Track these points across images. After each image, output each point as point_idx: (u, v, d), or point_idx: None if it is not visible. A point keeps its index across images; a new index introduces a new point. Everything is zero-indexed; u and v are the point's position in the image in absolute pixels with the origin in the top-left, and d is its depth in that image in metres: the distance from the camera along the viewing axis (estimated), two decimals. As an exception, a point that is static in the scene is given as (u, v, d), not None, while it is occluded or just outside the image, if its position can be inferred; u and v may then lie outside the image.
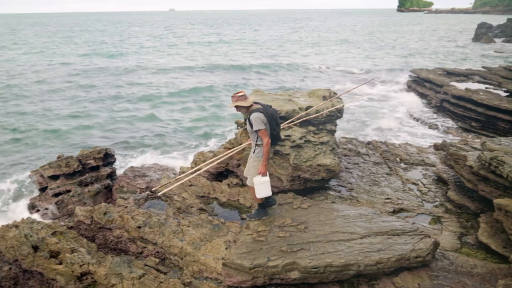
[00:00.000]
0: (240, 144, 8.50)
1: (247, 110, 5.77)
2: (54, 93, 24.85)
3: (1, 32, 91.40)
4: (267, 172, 5.86)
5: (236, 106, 5.73)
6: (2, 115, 19.89)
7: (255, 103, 5.84)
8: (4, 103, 22.25)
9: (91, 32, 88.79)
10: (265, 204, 6.36)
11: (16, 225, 6.11)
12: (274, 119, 5.76)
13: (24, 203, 10.40)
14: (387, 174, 9.15)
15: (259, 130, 5.60)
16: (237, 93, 5.73)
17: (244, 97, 5.68)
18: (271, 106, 5.89)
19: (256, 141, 5.84)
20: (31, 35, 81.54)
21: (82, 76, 30.98)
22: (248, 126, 5.79)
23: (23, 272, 5.80)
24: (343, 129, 15.96)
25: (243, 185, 8.26)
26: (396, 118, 18.42)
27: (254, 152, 5.94)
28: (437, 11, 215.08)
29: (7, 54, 44.94)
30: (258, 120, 5.56)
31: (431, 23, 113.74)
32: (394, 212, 7.23)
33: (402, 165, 9.76)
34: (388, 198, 7.81)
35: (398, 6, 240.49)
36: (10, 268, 5.89)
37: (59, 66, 35.62)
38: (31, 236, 5.82)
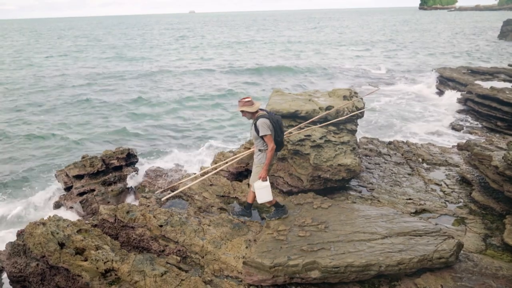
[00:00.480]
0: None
1: (253, 116, 5.92)
2: (78, 95, 25.42)
3: (27, 37, 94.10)
4: (268, 177, 5.98)
5: (242, 111, 5.88)
6: (28, 116, 20.51)
7: (261, 109, 5.98)
8: (30, 106, 22.92)
9: (114, 35, 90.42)
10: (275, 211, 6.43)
11: (43, 223, 6.29)
12: (279, 126, 5.91)
13: (50, 201, 10.69)
14: (409, 174, 9.03)
15: (265, 135, 5.74)
16: (244, 98, 5.89)
17: (250, 103, 5.83)
18: (275, 114, 6.07)
19: (261, 146, 5.97)
20: (55, 38, 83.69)
21: (105, 78, 31.61)
22: (253, 132, 5.92)
23: (49, 268, 5.97)
24: (362, 127, 15.80)
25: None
26: (418, 118, 18.14)
27: (257, 158, 6.08)
28: (461, 9, 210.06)
29: (33, 58, 46.26)
30: (264, 125, 5.70)
31: (454, 21, 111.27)
32: (416, 212, 7.14)
33: (425, 165, 9.61)
34: (410, 199, 7.71)
35: (420, 4, 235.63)
36: (37, 264, 6.08)
37: (83, 69, 36.43)
38: (57, 233, 5.99)
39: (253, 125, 5.86)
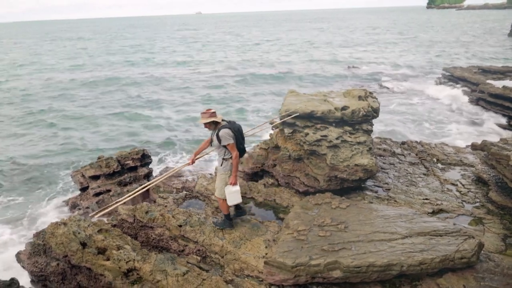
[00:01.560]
0: (275, 144, 8.59)
1: (216, 127, 6.05)
2: (91, 98, 25.64)
3: (38, 39, 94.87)
4: (237, 183, 6.18)
5: (207, 123, 5.99)
6: (46, 118, 20.73)
7: (222, 120, 6.12)
8: (45, 109, 23.16)
9: (121, 38, 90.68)
10: (235, 214, 6.61)
11: (64, 223, 6.38)
12: (240, 134, 6.13)
13: (66, 202, 10.80)
14: (424, 174, 8.99)
15: (228, 144, 5.91)
16: (208, 110, 6.03)
17: (215, 114, 6.00)
18: (235, 122, 6.23)
19: (224, 155, 6.12)
20: (65, 40, 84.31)
21: (117, 81, 31.79)
22: (215, 142, 6.06)
23: (71, 267, 6.05)
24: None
25: (279, 185, 8.33)
26: (429, 117, 18.05)
27: (221, 166, 6.21)
28: (469, 7, 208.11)
29: (43, 61, 46.66)
30: (226, 135, 5.87)
31: (463, 20, 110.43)
32: (434, 212, 7.11)
33: (439, 165, 9.57)
34: (426, 199, 7.69)
35: (428, 3, 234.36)
36: (57, 264, 6.16)
37: (93, 73, 36.67)
38: (79, 233, 6.06)
39: (215, 136, 6.00)
